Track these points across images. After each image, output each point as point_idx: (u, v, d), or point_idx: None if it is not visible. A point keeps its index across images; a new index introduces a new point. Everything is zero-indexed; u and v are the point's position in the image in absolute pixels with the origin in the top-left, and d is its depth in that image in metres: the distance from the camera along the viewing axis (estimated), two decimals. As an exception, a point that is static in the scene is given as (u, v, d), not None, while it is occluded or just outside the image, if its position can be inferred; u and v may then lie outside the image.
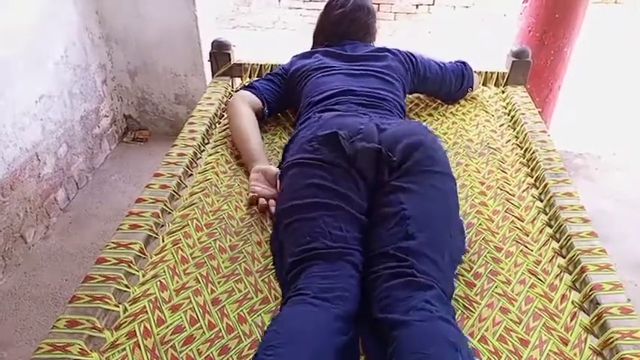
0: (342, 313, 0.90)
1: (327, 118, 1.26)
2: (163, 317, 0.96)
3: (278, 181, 1.26)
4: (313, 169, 1.13)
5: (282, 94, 1.59)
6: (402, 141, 1.14)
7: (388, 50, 1.57)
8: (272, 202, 1.24)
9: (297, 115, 1.47)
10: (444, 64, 1.67)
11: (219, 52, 1.84)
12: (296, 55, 1.64)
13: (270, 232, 1.19)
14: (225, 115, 1.62)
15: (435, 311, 0.87)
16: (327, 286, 0.93)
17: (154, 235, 1.14)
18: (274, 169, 1.32)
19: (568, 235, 1.14)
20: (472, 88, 1.72)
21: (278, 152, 1.49)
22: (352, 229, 1.04)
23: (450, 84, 1.67)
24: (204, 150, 1.49)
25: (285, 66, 1.64)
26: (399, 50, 1.59)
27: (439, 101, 1.75)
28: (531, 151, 1.46)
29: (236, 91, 1.65)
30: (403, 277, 0.93)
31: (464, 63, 1.70)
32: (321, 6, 1.71)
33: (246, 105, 1.50)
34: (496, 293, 1.04)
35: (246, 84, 1.62)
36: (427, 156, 1.12)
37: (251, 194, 1.27)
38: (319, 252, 0.99)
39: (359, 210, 1.08)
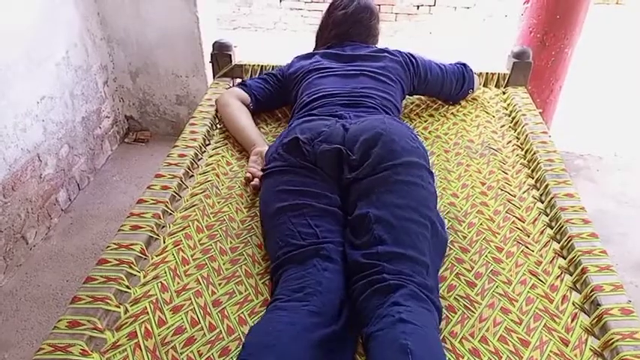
0: (317, 307, 0.90)
1: (294, 125, 1.30)
2: (164, 318, 0.96)
3: None
4: (280, 176, 1.18)
5: (274, 93, 1.62)
6: (360, 138, 1.16)
7: (387, 51, 1.57)
8: None
9: (290, 117, 1.50)
10: (444, 65, 1.67)
11: (221, 53, 1.84)
12: (297, 57, 1.65)
13: None
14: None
15: (396, 313, 0.86)
16: (299, 286, 0.95)
17: (155, 236, 1.14)
18: None
19: (569, 236, 1.14)
20: (473, 89, 1.72)
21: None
22: (322, 223, 1.06)
23: (450, 86, 1.67)
24: (205, 151, 1.50)
25: (283, 68, 1.65)
26: (399, 51, 1.59)
27: (440, 102, 1.75)
28: (532, 152, 1.46)
29: (227, 88, 1.69)
30: (373, 285, 0.94)
31: (464, 65, 1.70)
32: (323, 7, 1.71)
33: (233, 97, 1.58)
34: (497, 293, 1.04)
35: (239, 82, 1.67)
36: (387, 150, 1.12)
37: (246, 174, 1.33)
38: (290, 255, 1.01)
39: (328, 202, 1.11)
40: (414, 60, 1.59)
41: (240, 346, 0.91)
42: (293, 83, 1.55)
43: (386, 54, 1.55)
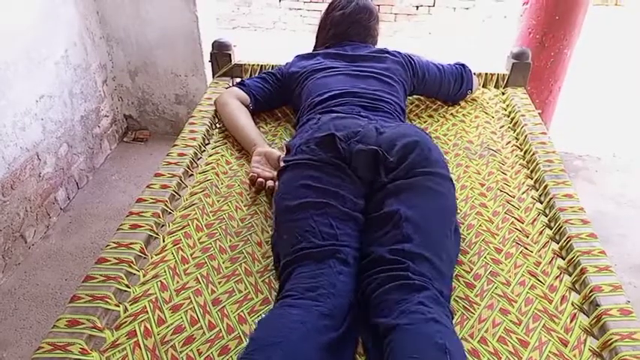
0: (329, 309, 0.90)
1: (326, 120, 1.27)
2: (164, 317, 0.96)
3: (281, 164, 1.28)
4: (306, 170, 1.14)
5: (273, 92, 1.61)
6: (398, 143, 1.16)
7: (388, 52, 1.57)
8: (274, 182, 1.27)
9: (298, 117, 1.48)
10: (442, 66, 1.67)
11: (220, 52, 1.84)
12: (298, 56, 1.65)
13: (271, 233, 1.19)
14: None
15: (427, 313, 0.87)
16: (313, 285, 0.93)
17: (155, 235, 1.14)
18: (276, 151, 1.36)
19: (568, 237, 1.14)
20: (471, 90, 1.73)
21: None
22: (344, 226, 1.05)
23: (448, 86, 1.67)
24: (204, 150, 1.50)
25: (282, 67, 1.65)
26: (398, 52, 1.59)
27: (439, 103, 1.75)
28: (531, 153, 1.47)
29: (227, 88, 1.68)
30: (398, 280, 0.93)
31: (463, 65, 1.70)
32: (322, 7, 1.71)
33: (232, 97, 1.56)
34: (496, 294, 1.04)
35: (238, 82, 1.66)
36: (423, 157, 1.13)
37: (251, 174, 1.31)
38: (308, 252, 1.00)
39: (352, 207, 1.09)
40: (412, 60, 1.59)
41: (240, 344, 0.91)
42: (295, 83, 1.55)
43: (387, 55, 1.55)
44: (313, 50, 1.69)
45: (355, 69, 1.49)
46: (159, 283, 1.03)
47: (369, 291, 0.95)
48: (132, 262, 1.04)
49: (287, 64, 1.64)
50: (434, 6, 4.60)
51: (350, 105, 1.35)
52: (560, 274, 1.09)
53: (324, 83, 1.45)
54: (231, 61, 1.85)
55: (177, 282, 1.04)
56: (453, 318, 0.95)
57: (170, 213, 1.23)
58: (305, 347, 0.83)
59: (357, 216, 1.09)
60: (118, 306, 0.96)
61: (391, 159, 1.13)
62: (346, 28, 1.62)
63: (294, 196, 1.11)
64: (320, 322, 0.87)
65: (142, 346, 0.90)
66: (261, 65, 1.85)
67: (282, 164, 1.24)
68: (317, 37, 1.70)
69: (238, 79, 1.89)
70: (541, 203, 1.31)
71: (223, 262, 1.10)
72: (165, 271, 1.06)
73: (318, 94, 1.42)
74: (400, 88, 1.50)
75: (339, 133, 1.17)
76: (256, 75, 1.72)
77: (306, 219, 1.05)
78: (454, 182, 1.19)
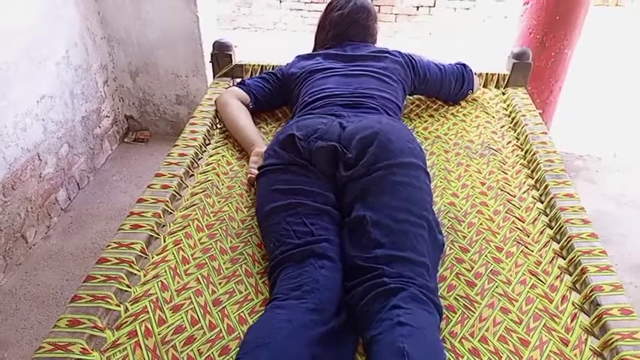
0: (315, 304, 0.91)
1: (291, 123, 1.30)
2: (164, 317, 0.96)
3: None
4: (274, 175, 1.18)
5: (274, 92, 1.62)
6: (356, 136, 1.16)
7: (388, 52, 1.57)
8: None
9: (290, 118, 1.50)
10: (443, 66, 1.67)
11: (221, 52, 1.84)
12: (298, 56, 1.65)
13: None
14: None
15: (395, 317, 0.87)
16: (296, 284, 0.95)
17: (155, 235, 1.14)
18: None
19: (568, 237, 1.14)
20: (472, 90, 1.73)
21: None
22: (318, 221, 1.06)
23: (449, 86, 1.67)
24: (205, 150, 1.50)
25: (283, 67, 1.65)
26: (399, 52, 1.59)
27: (440, 102, 1.75)
28: (532, 153, 1.47)
29: (227, 88, 1.69)
30: (375, 288, 0.94)
31: (464, 65, 1.70)
32: (322, 7, 1.71)
33: (232, 97, 1.57)
34: (497, 293, 1.04)
35: (239, 81, 1.67)
36: (382, 149, 1.12)
37: (249, 176, 1.33)
38: (287, 254, 1.01)
39: (323, 201, 1.11)
40: (413, 60, 1.59)
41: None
42: (294, 83, 1.55)
43: (387, 54, 1.55)
44: (313, 51, 1.69)
45: (352, 69, 1.49)
46: (159, 283, 1.03)
47: (352, 305, 0.96)
48: (133, 262, 1.04)
49: (287, 64, 1.65)
50: (434, 6, 4.60)
51: (331, 105, 1.36)
52: (561, 273, 1.09)
53: (317, 84, 1.46)
54: (231, 61, 1.86)
55: (178, 282, 1.04)
56: (440, 309, 0.95)
57: (171, 213, 1.23)
58: (292, 344, 0.84)
59: (330, 210, 1.10)
60: (119, 306, 0.96)
61: (349, 154, 1.14)
62: (345, 28, 1.62)
63: (267, 201, 1.14)
64: (307, 318, 0.88)
65: (142, 346, 0.90)
66: (262, 66, 1.85)
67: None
68: (316, 38, 1.70)
69: (239, 80, 1.89)
70: (542, 203, 1.31)
71: (224, 263, 1.10)
72: (165, 272, 1.06)
73: (309, 94, 1.44)
74: (399, 87, 1.50)
75: (299, 132, 1.20)
76: (257, 75, 1.72)
77: (279, 222, 1.08)
78: (430, 172, 1.20)
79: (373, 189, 1.08)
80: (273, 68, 1.77)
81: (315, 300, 0.91)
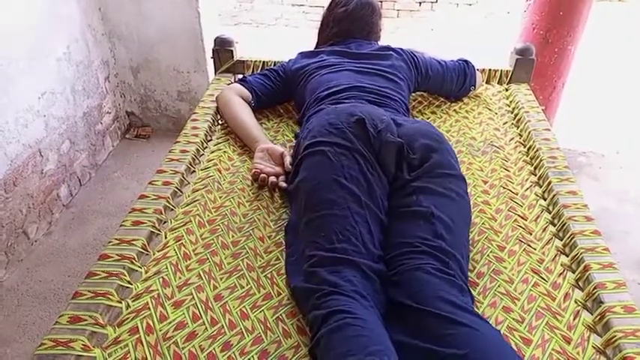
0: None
1: (347, 105, 1.24)
2: (166, 313, 0.96)
3: (287, 162, 1.29)
4: (340, 157, 1.09)
5: (275, 89, 1.60)
6: (420, 140, 1.15)
7: (392, 49, 1.56)
8: (281, 177, 1.28)
9: (303, 112, 1.48)
10: (445, 62, 1.66)
11: (222, 48, 1.84)
12: (301, 53, 1.64)
13: (273, 227, 1.19)
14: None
15: (490, 323, 0.89)
16: (361, 292, 0.91)
17: (157, 231, 1.14)
18: (279, 147, 1.36)
19: (571, 234, 1.14)
20: (474, 86, 1.72)
21: (281, 149, 1.49)
22: (377, 231, 1.03)
23: (451, 82, 1.66)
24: (206, 147, 1.49)
25: (285, 64, 1.64)
26: (402, 49, 1.58)
27: (442, 99, 1.74)
28: (535, 149, 1.46)
29: (229, 84, 1.67)
30: (445, 274, 0.93)
31: (466, 61, 1.70)
32: (324, 3, 1.70)
33: (234, 94, 1.55)
34: (499, 292, 1.04)
35: (240, 78, 1.66)
36: (445, 159, 1.13)
37: (254, 170, 1.31)
38: (350, 258, 0.95)
39: (383, 209, 1.08)
40: (415, 57, 1.58)
41: (242, 340, 0.91)
42: (299, 80, 1.54)
43: (391, 52, 1.54)
44: (316, 48, 1.68)
45: (360, 66, 1.48)
46: (161, 279, 1.03)
47: (403, 275, 0.94)
48: (134, 259, 1.04)
49: (290, 60, 1.64)
50: (437, 2, 4.58)
51: (358, 98, 1.34)
52: (564, 271, 1.09)
53: (330, 78, 1.44)
54: (233, 57, 1.85)
55: (180, 278, 1.04)
56: None
57: (172, 209, 1.23)
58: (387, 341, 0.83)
59: (385, 220, 1.07)
60: (120, 302, 0.96)
61: (413, 155, 1.12)
62: (349, 25, 1.61)
63: (331, 186, 1.05)
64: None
65: (144, 342, 0.90)
66: (264, 62, 1.85)
67: (301, 150, 1.19)
68: (319, 35, 1.69)
69: (240, 76, 1.88)
70: (545, 200, 1.30)
71: (225, 258, 1.10)
72: (167, 268, 1.06)
73: (325, 88, 1.42)
74: (405, 85, 1.49)
75: (367, 118, 1.14)
76: (258, 72, 1.71)
77: (347, 217, 1.01)
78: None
79: (434, 189, 1.07)
80: (274, 64, 1.76)
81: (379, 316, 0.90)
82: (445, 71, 1.64)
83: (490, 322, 0.96)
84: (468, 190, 1.32)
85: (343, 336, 0.82)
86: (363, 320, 0.84)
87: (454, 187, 1.10)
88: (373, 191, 1.07)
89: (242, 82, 1.61)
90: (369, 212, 1.03)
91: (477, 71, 1.71)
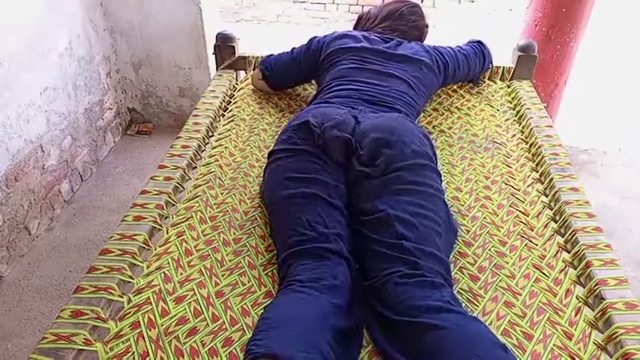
0: (335, 299, 0.91)
1: (305, 110, 1.30)
2: (167, 308, 0.96)
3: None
4: (286, 161, 1.17)
5: (297, 76, 1.69)
6: (371, 135, 1.16)
7: (426, 55, 1.52)
8: None
9: (314, 96, 1.49)
10: (467, 51, 1.67)
11: (224, 44, 1.83)
12: (345, 36, 1.57)
13: None
14: (230, 108, 1.67)
15: (465, 313, 0.89)
16: (314, 277, 0.95)
17: (158, 226, 1.14)
18: None
19: (573, 230, 1.14)
20: (492, 62, 1.76)
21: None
22: (333, 214, 1.06)
23: (474, 69, 1.71)
24: (208, 143, 1.49)
25: (317, 45, 1.59)
26: (436, 57, 1.54)
27: (444, 95, 1.74)
28: (537, 146, 1.46)
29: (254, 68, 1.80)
30: (413, 277, 0.93)
31: (480, 42, 1.73)
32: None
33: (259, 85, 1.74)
34: (500, 287, 1.04)
35: (264, 63, 1.70)
36: (398, 151, 1.13)
37: None
38: (304, 247, 1.00)
39: (336, 193, 1.11)
40: (447, 66, 1.57)
41: (244, 336, 0.92)
42: (329, 62, 1.52)
43: (424, 58, 1.50)
44: (357, 29, 1.68)
45: (387, 67, 1.45)
46: (162, 274, 1.03)
47: (380, 288, 0.96)
48: (135, 254, 1.04)
49: (329, 38, 1.58)
50: (439, -1, 4.56)
51: (351, 98, 1.35)
52: (565, 267, 1.09)
53: (349, 73, 1.44)
54: (234, 53, 1.85)
55: (181, 274, 1.04)
56: None
57: (174, 205, 1.23)
58: (317, 328, 0.84)
59: (341, 205, 1.10)
60: (122, 297, 0.96)
61: (361, 151, 1.14)
62: (397, 25, 1.61)
63: (279, 189, 1.13)
64: (329, 307, 0.89)
65: (145, 336, 0.90)
66: (265, 58, 1.84)
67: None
68: (361, 21, 1.70)
69: (242, 72, 1.88)
70: (546, 196, 1.30)
71: (227, 255, 1.10)
72: (168, 263, 1.06)
73: (339, 81, 1.42)
74: (426, 95, 1.51)
75: (314, 119, 1.19)
76: (287, 53, 1.68)
77: (293, 212, 1.07)
78: (439, 170, 1.19)
79: (390, 187, 1.08)
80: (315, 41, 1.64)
81: (333, 295, 0.92)
82: (470, 61, 1.66)
83: (489, 319, 0.97)
84: (470, 185, 1.32)
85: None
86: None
87: (416, 179, 1.09)
88: (319, 180, 1.11)
89: (263, 69, 1.68)
90: (316, 200, 1.08)
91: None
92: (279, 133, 1.37)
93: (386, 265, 0.97)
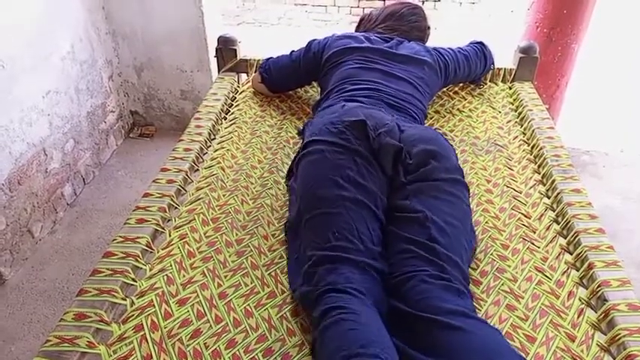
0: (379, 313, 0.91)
1: (353, 106, 1.26)
2: (170, 311, 0.96)
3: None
4: (338, 156, 1.11)
5: (297, 79, 1.69)
6: (419, 145, 1.16)
7: (428, 56, 1.53)
8: None
9: (321, 97, 1.49)
10: (467, 52, 1.67)
11: (226, 47, 1.84)
12: (346, 37, 1.58)
13: (277, 225, 1.19)
14: (231, 111, 1.68)
15: (487, 322, 0.89)
16: (367, 286, 0.93)
17: (161, 229, 1.14)
18: None
19: (575, 232, 1.14)
20: (493, 64, 1.76)
21: (284, 145, 1.49)
22: (376, 228, 1.05)
23: (475, 69, 1.71)
24: (210, 145, 1.50)
25: (317, 48, 1.59)
26: (437, 58, 1.56)
27: (446, 98, 1.74)
28: (539, 148, 1.46)
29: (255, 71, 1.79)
30: (440, 280, 0.94)
31: (481, 43, 1.73)
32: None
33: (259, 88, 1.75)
34: (502, 291, 1.04)
35: (263, 66, 1.70)
36: (444, 164, 1.14)
37: None
38: (348, 257, 0.97)
39: (381, 207, 1.09)
40: (447, 67, 1.58)
41: (247, 338, 0.92)
42: (330, 64, 1.52)
43: (426, 58, 1.51)
44: (359, 30, 1.69)
45: (393, 68, 1.46)
46: (165, 276, 1.04)
47: (402, 283, 0.95)
48: (138, 256, 1.04)
49: (330, 40, 1.59)
50: (440, 1, 4.57)
51: (376, 99, 1.35)
52: (568, 269, 1.09)
53: (358, 73, 1.44)
54: (236, 56, 1.85)
55: (184, 276, 1.05)
56: None
57: (176, 207, 1.23)
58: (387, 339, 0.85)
59: (382, 219, 1.08)
60: (125, 300, 0.96)
61: (410, 161, 1.14)
62: (398, 25, 1.62)
63: (331, 185, 1.06)
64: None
65: (148, 339, 0.91)
66: (267, 60, 1.84)
67: (301, 147, 1.22)
68: (363, 22, 1.71)
69: (244, 75, 1.89)
70: (548, 198, 1.30)
71: (229, 256, 1.10)
72: (171, 265, 1.07)
73: (349, 81, 1.42)
74: (428, 96, 1.52)
75: (369, 121, 1.16)
76: (286, 56, 1.68)
77: (341, 214, 1.02)
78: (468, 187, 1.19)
79: (429, 192, 1.09)
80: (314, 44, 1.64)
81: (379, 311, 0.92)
82: (470, 62, 1.67)
83: (491, 322, 0.97)
84: (472, 189, 1.32)
85: (336, 332, 0.83)
86: (357, 315, 0.85)
87: (453, 191, 1.10)
88: (370, 190, 1.08)
89: (262, 73, 1.68)
90: (366, 210, 1.05)
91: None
92: (309, 126, 1.31)
93: (414, 262, 0.97)
